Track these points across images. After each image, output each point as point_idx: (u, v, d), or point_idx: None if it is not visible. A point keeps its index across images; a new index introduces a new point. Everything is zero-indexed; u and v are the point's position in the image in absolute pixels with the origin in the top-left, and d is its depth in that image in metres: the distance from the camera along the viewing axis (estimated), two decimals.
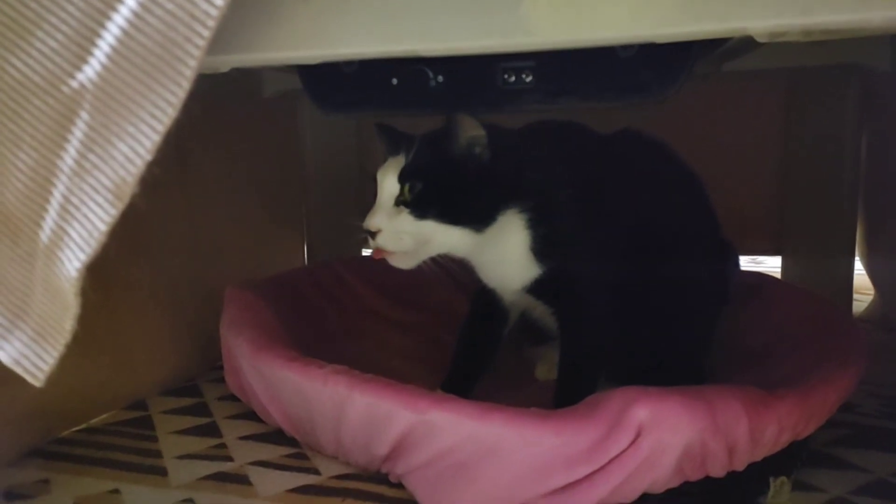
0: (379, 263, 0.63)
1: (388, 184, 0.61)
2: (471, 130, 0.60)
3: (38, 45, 0.37)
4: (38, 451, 0.68)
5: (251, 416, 0.74)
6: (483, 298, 0.72)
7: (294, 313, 0.84)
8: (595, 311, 0.65)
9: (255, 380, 0.69)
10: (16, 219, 0.40)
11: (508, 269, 0.66)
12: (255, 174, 1.06)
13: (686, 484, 0.53)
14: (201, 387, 0.86)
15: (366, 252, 1.25)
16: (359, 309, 0.97)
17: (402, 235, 0.60)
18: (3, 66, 0.38)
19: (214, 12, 0.35)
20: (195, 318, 0.89)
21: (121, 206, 0.38)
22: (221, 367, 0.80)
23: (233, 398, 0.78)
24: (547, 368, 0.79)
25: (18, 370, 0.44)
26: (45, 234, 0.41)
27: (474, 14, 0.41)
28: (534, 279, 0.65)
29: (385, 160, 0.63)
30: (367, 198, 0.64)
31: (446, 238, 0.61)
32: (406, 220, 0.60)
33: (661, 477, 0.50)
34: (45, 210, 0.40)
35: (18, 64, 0.38)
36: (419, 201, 0.60)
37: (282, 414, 0.68)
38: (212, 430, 0.73)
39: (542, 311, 0.70)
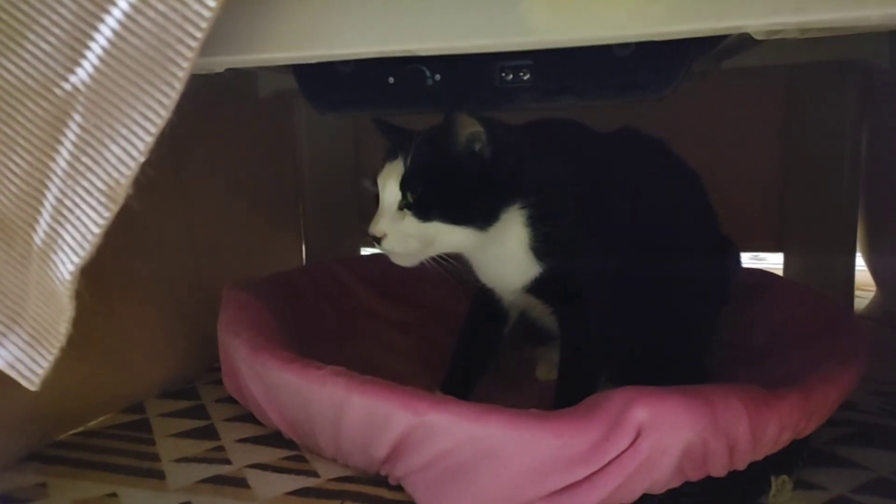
0: (377, 263, 0.63)
1: (390, 188, 0.61)
2: (469, 128, 0.60)
3: (31, 47, 0.37)
4: (35, 454, 0.67)
5: (249, 418, 0.74)
6: (482, 298, 0.72)
7: (292, 314, 0.83)
8: (595, 311, 0.65)
9: (253, 381, 0.69)
10: (10, 221, 0.40)
11: (508, 268, 0.65)
12: (252, 174, 1.06)
13: (687, 484, 0.52)
14: (199, 389, 0.85)
15: (364, 251, 1.25)
16: (357, 309, 0.96)
17: (408, 238, 0.60)
18: None
19: (207, 13, 0.34)
20: (192, 320, 0.88)
21: (114, 208, 0.37)
22: (219, 369, 0.79)
23: (230, 400, 0.78)
24: (547, 369, 0.79)
25: (13, 374, 0.44)
26: (38, 236, 0.40)
27: (472, 13, 0.40)
28: (533, 278, 0.64)
29: (384, 164, 0.63)
30: (365, 198, 0.64)
31: (451, 238, 0.61)
32: (410, 224, 0.60)
33: (661, 477, 0.50)
34: (39, 213, 0.39)
35: (11, 67, 0.38)
36: (422, 204, 0.59)
37: (280, 416, 0.68)
38: (210, 433, 0.73)
39: (541, 311, 0.70)
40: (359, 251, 1.27)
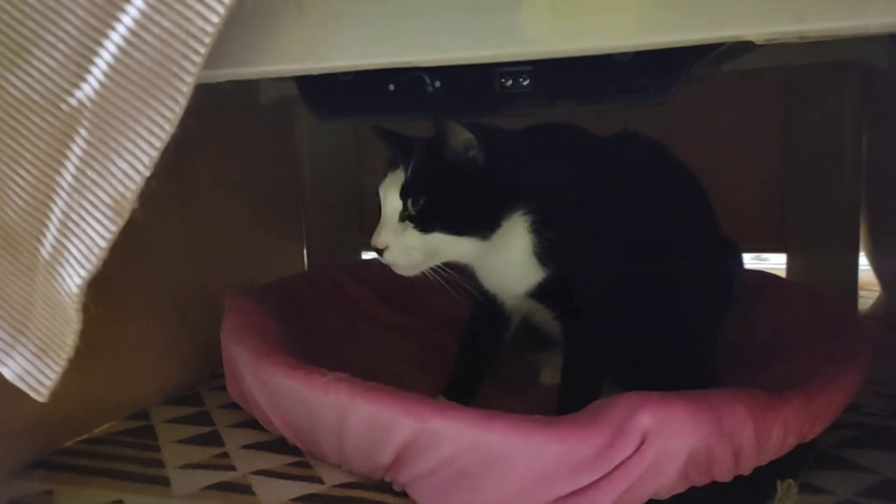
0: (378, 268, 0.63)
1: (391, 200, 0.61)
2: (459, 135, 0.59)
3: (36, 63, 0.37)
4: (41, 461, 0.68)
5: (253, 424, 0.74)
6: (484, 303, 0.72)
7: (294, 319, 0.83)
8: (598, 316, 0.65)
9: (256, 388, 0.69)
10: (16, 234, 0.40)
11: (511, 273, 0.65)
12: (253, 181, 1.06)
13: (692, 489, 0.53)
14: (202, 395, 0.86)
15: (365, 256, 1.25)
16: (358, 314, 0.97)
17: (410, 251, 0.60)
18: (2, 84, 0.38)
19: (211, 29, 0.34)
20: (195, 326, 0.88)
21: (120, 221, 0.38)
22: (222, 375, 0.79)
23: (234, 406, 0.78)
24: (551, 373, 0.79)
25: (22, 386, 0.44)
26: (45, 249, 0.40)
27: (471, 24, 0.40)
28: (537, 284, 0.65)
29: (386, 174, 0.63)
30: (365, 204, 0.64)
31: (454, 248, 0.61)
32: (412, 236, 0.60)
33: (666, 483, 0.50)
34: (45, 226, 0.39)
35: (17, 82, 0.38)
36: (423, 215, 0.59)
37: (284, 422, 0.68)
38: (214, 439, 0.73)
39: (544, 316, 0.70)
40: (360, 256, 1.27)
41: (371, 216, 0.64)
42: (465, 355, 0.74)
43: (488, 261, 0.65)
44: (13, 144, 0.39)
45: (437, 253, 0.61)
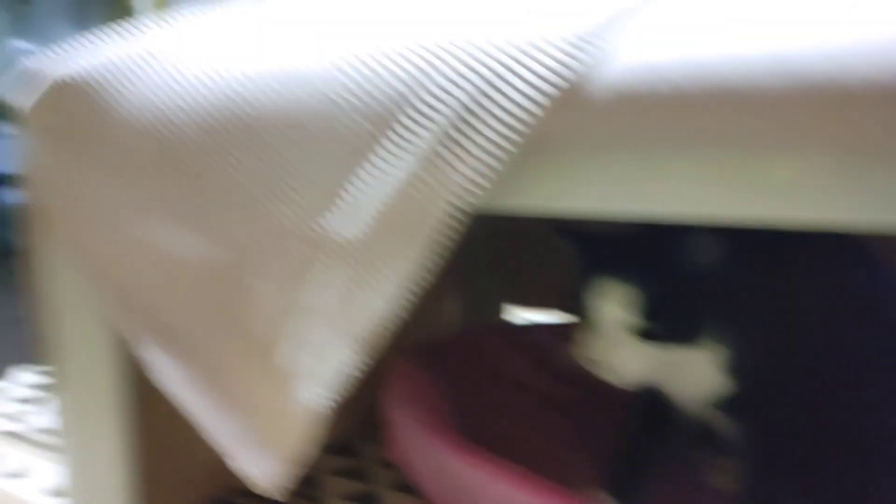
0: (536, 333, 0.61)
1: (612, 311, 0.58)
2: (709, 250, 0.56)
3: (289, 191, 0.39)
4: (218, 501, 0.72)
5: (412, 488, 0.74)
6: (655, 395, 0.68)
7: (451, 386, 0.84)
8: (784, 438, 0.60)
9: (421, 460, 0.70)
10: (252, 336, 0.43)
11: (695, 380, 0.62)
12: None
13: None
14: (361, 447, 0.88)
15: (522, 315, 1.23)
16: (513, 382, 0.95)
17: (632, 363, 0.58)
18: (258, 205, 0.41)
19: (478, 193, 0.35)
20: (358, 379, 0.91)
21: (365, 354, 0.39)
22: (379, 427, 0.81)
23: (392, 464, 0.79)
24: (725, 478, 0.74)
25: (255, 482, 0.47)
26: (279, 358, 0.43)
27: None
28: (720, 394, 0.61)
29: (595, 281, 0.60)
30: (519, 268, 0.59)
31: (671, 358, 0.58)
32: (636, 348, 0.58)
33: None
34: (280, 337, 0.42)
35: (270, 206, 0.41)
36: (654, 329, 0.57)
37: (445, 501, 0.68)
38: (375, 501, 0.74)
39: (721, 421, 0.66)
40: (512, 318, 1.25)
41: (523, 278, 0.60)
42: (629, 447, 0.70)
43: (671, 363, 0.62)
44: (260, 258, 0.41)
45: (656, 361, 0.59)
